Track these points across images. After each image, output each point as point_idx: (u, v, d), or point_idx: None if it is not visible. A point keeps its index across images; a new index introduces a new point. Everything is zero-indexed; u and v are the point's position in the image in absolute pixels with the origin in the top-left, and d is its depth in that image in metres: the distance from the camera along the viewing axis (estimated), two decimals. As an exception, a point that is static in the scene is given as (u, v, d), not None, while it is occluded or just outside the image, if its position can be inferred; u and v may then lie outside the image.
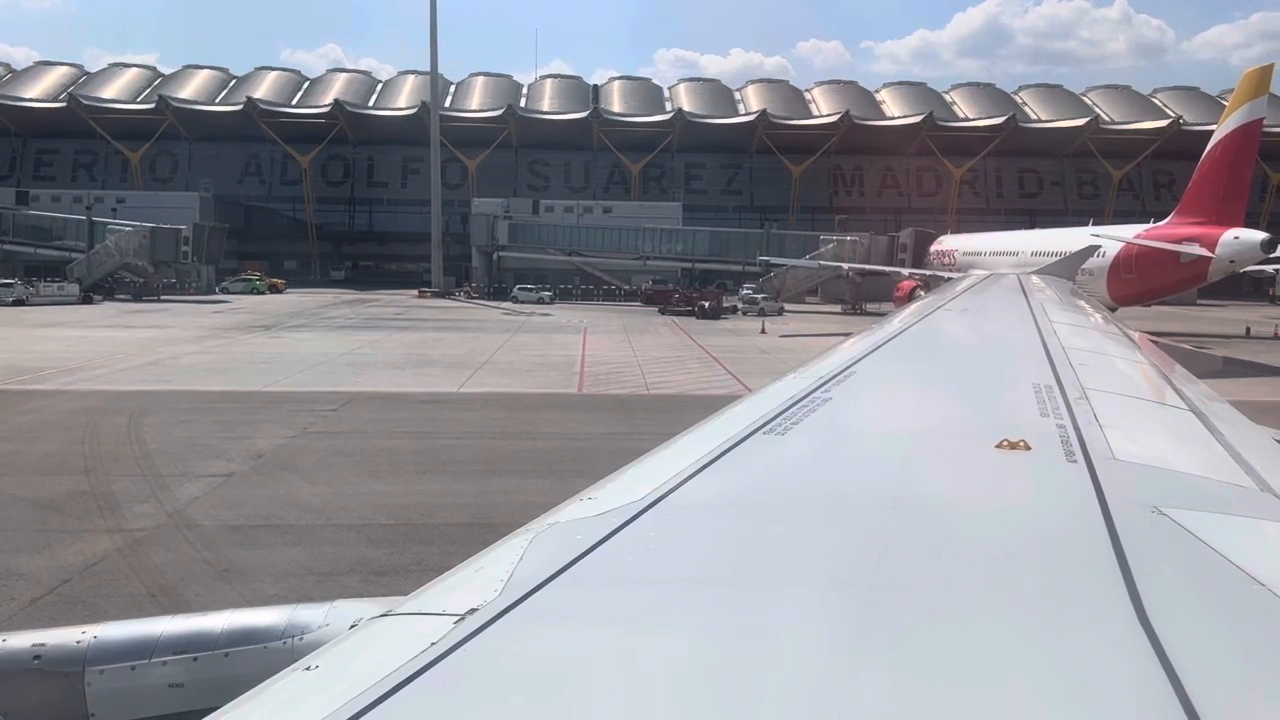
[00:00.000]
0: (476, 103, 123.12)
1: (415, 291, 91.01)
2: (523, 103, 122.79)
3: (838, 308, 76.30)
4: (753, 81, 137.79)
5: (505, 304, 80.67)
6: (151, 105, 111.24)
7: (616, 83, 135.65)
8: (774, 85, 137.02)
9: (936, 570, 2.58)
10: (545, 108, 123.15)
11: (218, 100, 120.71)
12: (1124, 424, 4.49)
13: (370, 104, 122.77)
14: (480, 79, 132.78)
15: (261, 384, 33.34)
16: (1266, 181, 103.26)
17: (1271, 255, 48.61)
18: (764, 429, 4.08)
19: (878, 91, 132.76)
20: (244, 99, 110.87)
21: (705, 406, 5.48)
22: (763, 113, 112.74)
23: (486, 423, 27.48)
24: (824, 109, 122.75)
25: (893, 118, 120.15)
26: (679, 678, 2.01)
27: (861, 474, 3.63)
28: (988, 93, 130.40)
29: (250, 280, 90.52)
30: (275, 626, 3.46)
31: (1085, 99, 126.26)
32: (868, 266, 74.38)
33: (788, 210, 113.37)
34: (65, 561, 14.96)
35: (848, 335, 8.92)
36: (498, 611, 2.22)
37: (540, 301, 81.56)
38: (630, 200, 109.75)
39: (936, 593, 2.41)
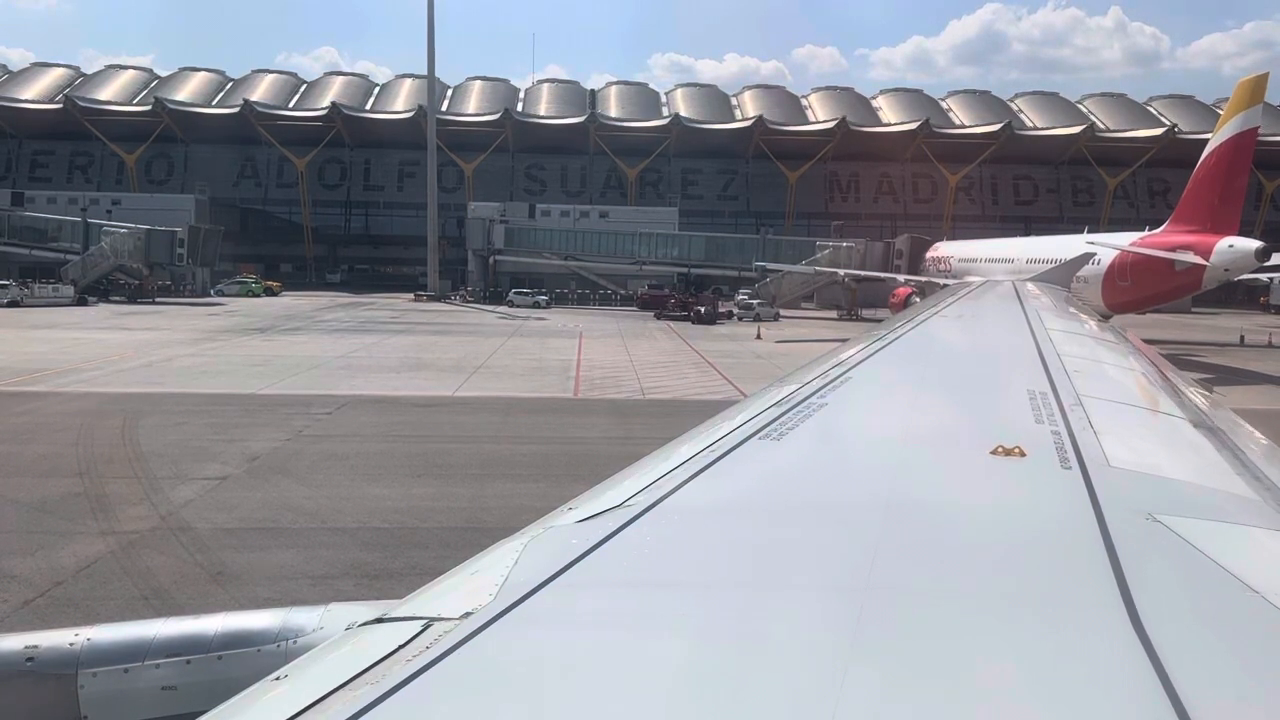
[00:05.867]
0: (473, 106, 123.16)
1: (411, 295, 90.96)
2: (520, 107, 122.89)
3: (834, 313, 76.37)
4: (749, 87, 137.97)
5: (501, 308, 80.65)
6: (148, 107, 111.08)
7: (613, 87, 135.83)
8: (770, 91, 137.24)
9: (931, 576, 2.59)
10: (542, 112, 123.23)
11: (214, 103, 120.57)
12: (1119, 430, 4.49)
13: (367, 107, 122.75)
14: (477, 83, 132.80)
15: (256, 387, 33.29)
16: (1261, 190, 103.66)
17: (1266, 264, 48.76)
18: (760, 434, 4.08)
19: (874, 98, 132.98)
20: (240, 101, 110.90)
21: (701, 411, 5.49)
22: (759, 118, 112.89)
23: (482, 426, 27.47)
24: (820, 115, 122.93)
25: (889, 124, 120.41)
26: (675, 682, 2.01)
27: (857, 480, 3.63)
28: (984, 100, 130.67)
29: (246, 283, 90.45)
30: (269, 629, 3.45)
31: (1081, 107, 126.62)
32: (863, 273, 74.39)
33: (784, 216, 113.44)
34: (58, 564, 14.92)
35: (843, 341, 8.93)
36: (493, 615, 2.22)
37: (536, 305, 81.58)
38: (627, 205, 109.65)
39: (931, 599, 2.41)
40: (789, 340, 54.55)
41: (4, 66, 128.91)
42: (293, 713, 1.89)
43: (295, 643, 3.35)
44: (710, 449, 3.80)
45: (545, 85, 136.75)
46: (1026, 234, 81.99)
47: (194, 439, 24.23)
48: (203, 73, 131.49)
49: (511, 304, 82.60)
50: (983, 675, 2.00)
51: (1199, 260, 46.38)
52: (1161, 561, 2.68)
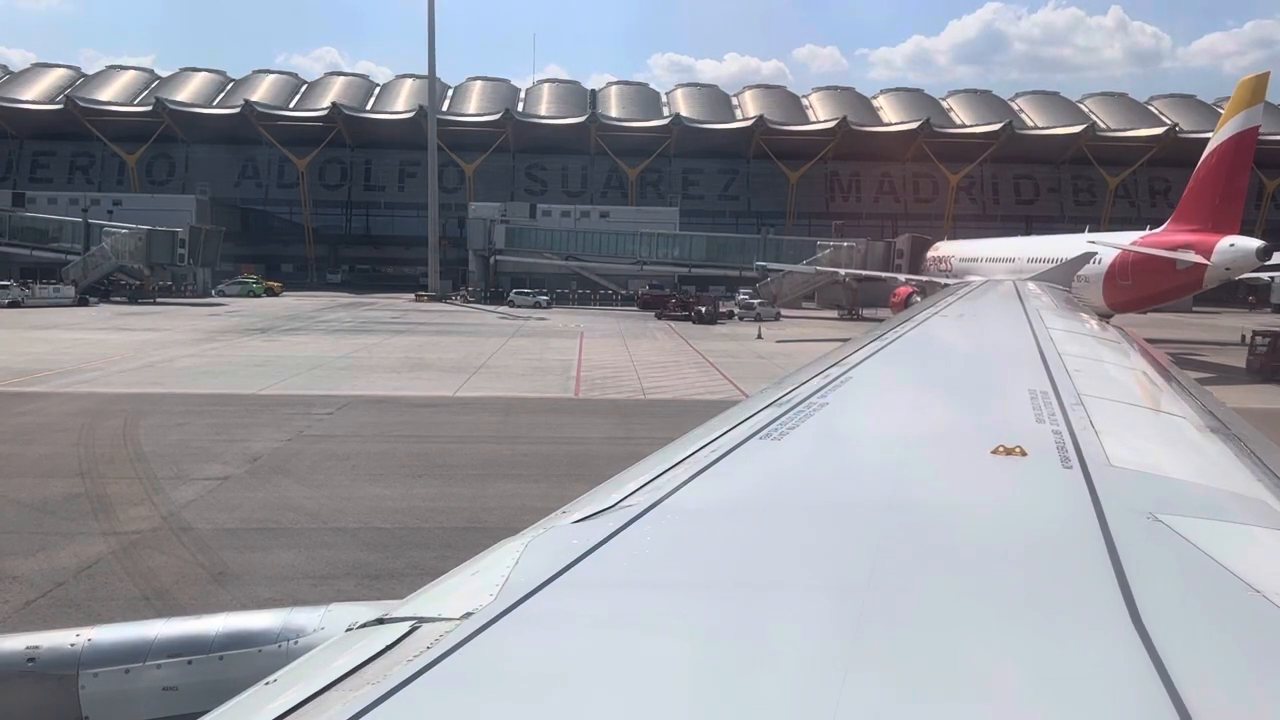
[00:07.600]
0: (474, 107, 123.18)
1: (412, 295, 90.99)
2: (520, 107, 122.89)
3: (834, 313, 76.37)
4: (750, 87, 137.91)
5: (502, 308, 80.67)
6: (149, 108, 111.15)
7: (614, 88, 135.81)
8: (771, 90, 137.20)
9: (932, 576, 2.58)
10: (543, 112, 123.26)
11: (215, 103, 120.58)
12: (1120, 430, 4.49)
13: (368, 107, 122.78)
14: (478, 83, 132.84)
15: (257, 387, 33.30)
16: (1262, 189, 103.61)
17: (1267, 263, 48.72)
18: (760, 434, 4.07)
19: (875, 97, 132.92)
20: (241, 102, 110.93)
21: (702, 411, 5.49)
22: (760, 118, 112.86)
23: (483, 427, 27.47)
24: (821, 114, 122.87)
25: (890, 124, 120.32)
26: (676, 682, 2.01)
27: (858, 479, 3.62)
28: (984, 99, 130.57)
29: (247, 283, 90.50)
30: (270, 629, 3.45)
31: (1081, 106, 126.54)
32: (864, 272, 74.37)
33: (785, 216, 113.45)
34: (60, 564, 14.92)
35: (844, 341, 8.93)
36: (493, 616, 2.22)
37: (537, 306, 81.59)
38: (627, 205, 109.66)
39: (932, 598, 2.41)
40: (790, 340, 54.54)
41: (5, 67, 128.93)
42: (294, 713, 1.89)
43: (296, 643, 3.35)
44: (711, 449, 3.80)
45: (546, 85, 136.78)
46: (1027, 233, 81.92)
47: (195, 439, 24.24)
48: (203, 73, 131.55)
49: (512, 304, 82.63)
50: (984, 675, 2.00)
51: (1200, 259, 46.34)
52: (1163, 561, 2.67)
